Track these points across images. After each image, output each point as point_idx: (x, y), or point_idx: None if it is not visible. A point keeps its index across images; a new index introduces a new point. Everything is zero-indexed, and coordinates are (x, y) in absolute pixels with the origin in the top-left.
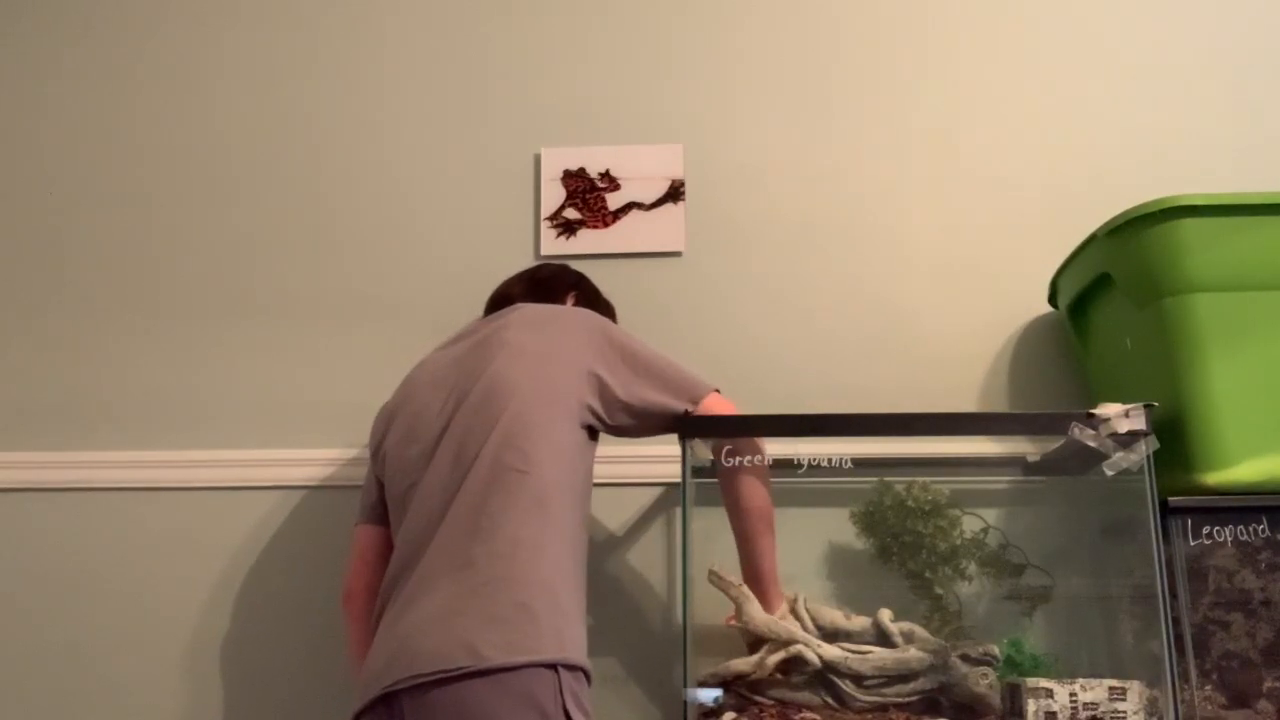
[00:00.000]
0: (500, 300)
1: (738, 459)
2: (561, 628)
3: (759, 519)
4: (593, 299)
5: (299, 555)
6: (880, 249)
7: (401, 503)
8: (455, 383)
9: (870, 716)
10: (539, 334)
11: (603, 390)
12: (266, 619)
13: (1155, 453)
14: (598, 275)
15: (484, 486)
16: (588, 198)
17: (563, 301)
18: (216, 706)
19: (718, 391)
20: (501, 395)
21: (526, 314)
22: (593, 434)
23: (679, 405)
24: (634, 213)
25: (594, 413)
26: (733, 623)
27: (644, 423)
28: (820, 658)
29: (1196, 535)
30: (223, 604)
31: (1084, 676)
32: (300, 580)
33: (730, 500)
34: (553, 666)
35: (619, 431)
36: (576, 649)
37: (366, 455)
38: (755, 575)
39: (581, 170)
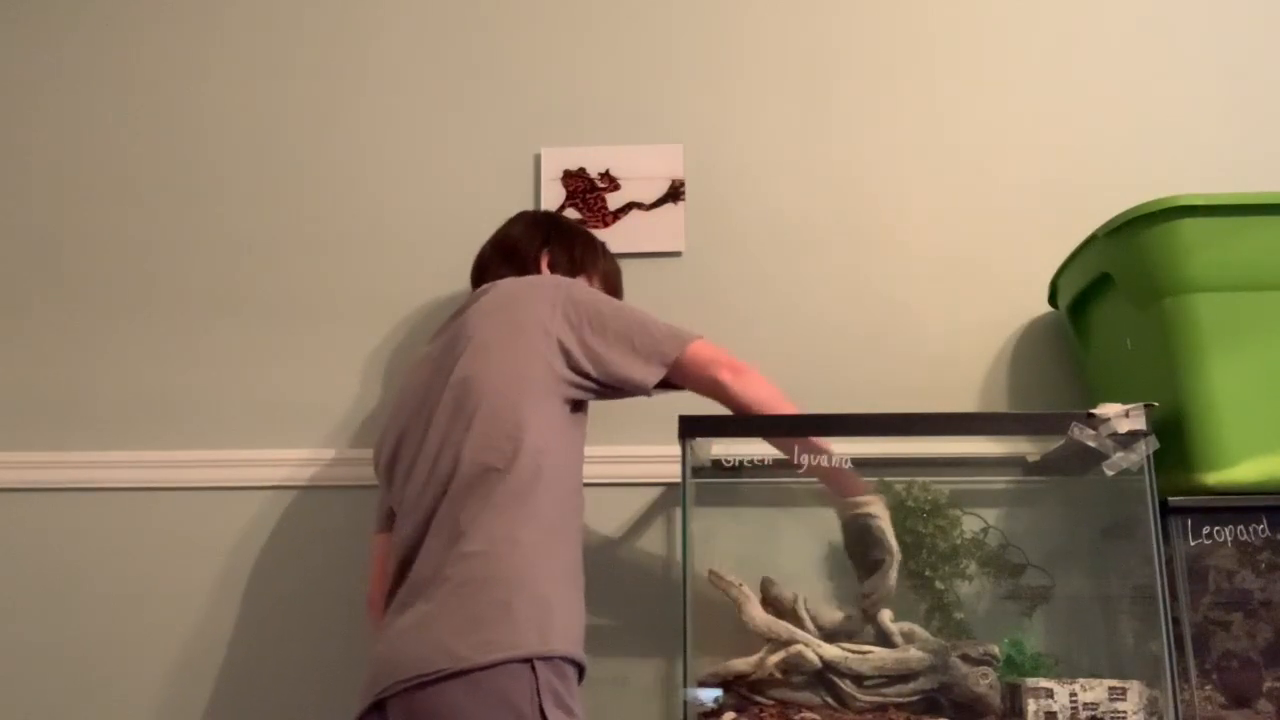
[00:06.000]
0: (478, 273)
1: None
2: (543, 620)
3: (766, 407)
4: (569, 248)
5: (298, 555)
6: (880, 249)
7: (400, 512)
8: (430, 387)
9: (870, 716)
10: (502, 318)
11: (571, 362)
12: (265, 619)
13: (1155, 453)
14: None
15: (463, 491)
16: (588, 198)
17: (536, 266)
18: (216, 707)
19: (701, 339)
20: (473, 394)
21: (491, 299)
22: (578, 405)
23: (649, 372)
24: (634, 213)
25: (572, 383)
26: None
27: (619, 390)
28: (820, 658)
29: (1196, 535)
30: (221, 604)
31: (1084, 676)
32: (299, 580)
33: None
34: (528, 661)
35: (602, 397)
36: (563, 640)
37: (367, 455)
38: (804, 444)
39: (581, 170)
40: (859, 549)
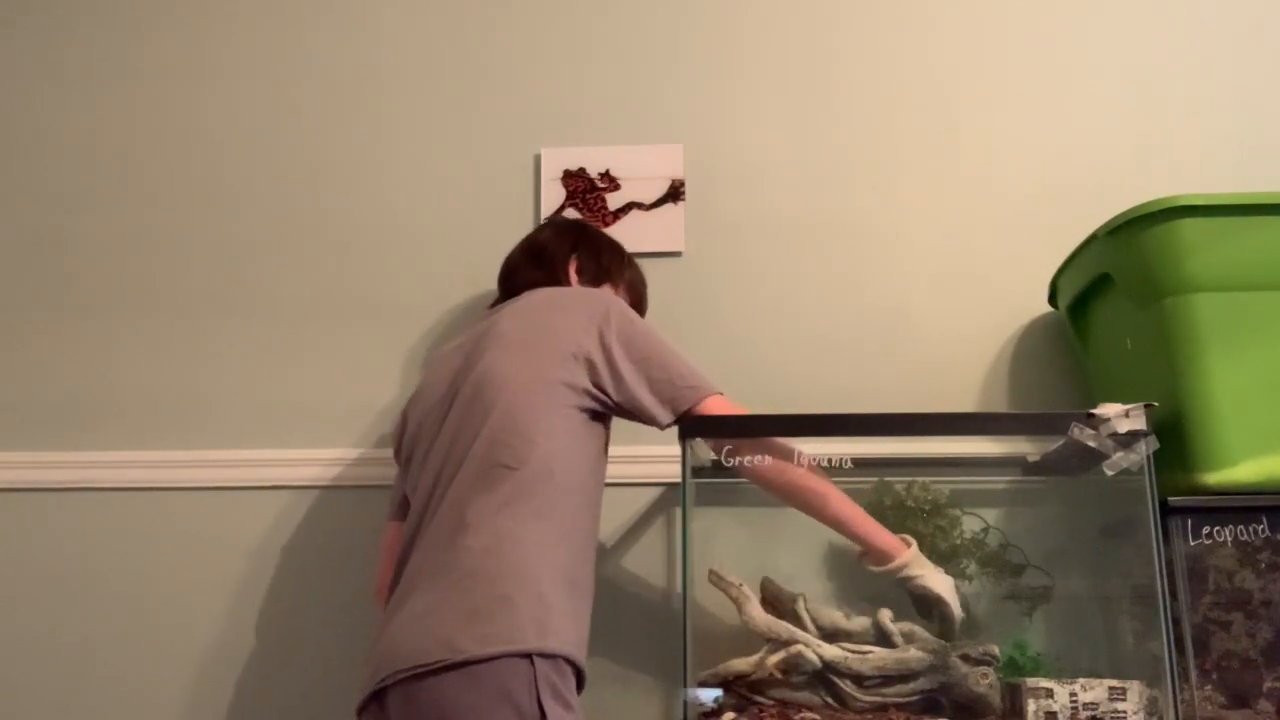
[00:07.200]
0: (506, 275)
1: (738, 459)
2: (543, 618)
3: (810, 495)
4: (596, 255)
5: (299, 555)
6: (880, 249)
7: (411, 500)
8: (454, 378)
9: (870, 716)
10: (535, 321)
11: (595, 378)
12: (266, 619)
13: (1155, 453)
14: None
15: (471, 484)
16: (588, 198)
17: (565, 271)
18: (216, 706)
19: (719, 395)
20: (492, 390)
21: (529, 301)
22: (597, 416)
23: (662, 412)
24: (634, 213)
25: (592, 396)
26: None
27: (632, 415)
28: (820, 658)
29: (1196, 535)
30: (222, 603)
31: (1084, 676)
32: (300, 580)
33: (777, 494)
34: (527, 656)
35: (617, 415)
36: (560, 639)
37: (367, 455)
38: (859, 541)
39: (581, 170)
40: (922, 610)
